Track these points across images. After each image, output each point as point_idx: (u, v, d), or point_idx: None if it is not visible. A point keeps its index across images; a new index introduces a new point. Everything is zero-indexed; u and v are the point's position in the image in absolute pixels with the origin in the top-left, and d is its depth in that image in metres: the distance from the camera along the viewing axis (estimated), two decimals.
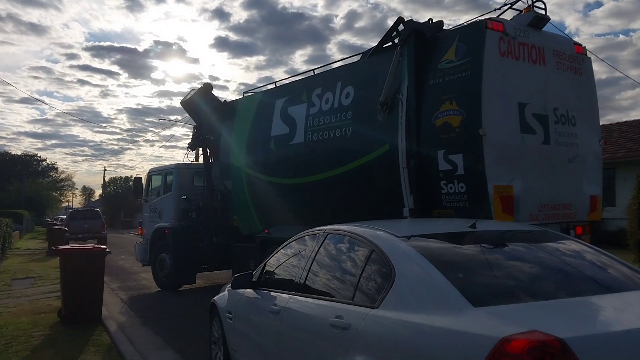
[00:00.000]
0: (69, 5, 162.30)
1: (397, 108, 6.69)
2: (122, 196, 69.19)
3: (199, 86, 11.64)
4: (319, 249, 3.96)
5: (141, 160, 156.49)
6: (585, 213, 6.87)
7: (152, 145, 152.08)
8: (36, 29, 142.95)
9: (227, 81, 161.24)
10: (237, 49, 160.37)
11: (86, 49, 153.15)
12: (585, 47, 7.15)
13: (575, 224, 6.75)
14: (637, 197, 11.55)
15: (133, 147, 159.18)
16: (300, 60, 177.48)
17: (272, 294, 4.36)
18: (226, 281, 13.20)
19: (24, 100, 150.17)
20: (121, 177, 78.65)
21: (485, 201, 5.87)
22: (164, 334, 7.63)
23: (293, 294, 3.95)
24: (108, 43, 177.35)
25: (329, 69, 8.69)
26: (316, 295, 3.70)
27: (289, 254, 4.55)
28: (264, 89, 10.24)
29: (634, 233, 11.45)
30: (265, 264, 4.83)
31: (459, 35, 6.34)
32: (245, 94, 10.64)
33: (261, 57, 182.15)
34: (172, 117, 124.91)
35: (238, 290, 4.98)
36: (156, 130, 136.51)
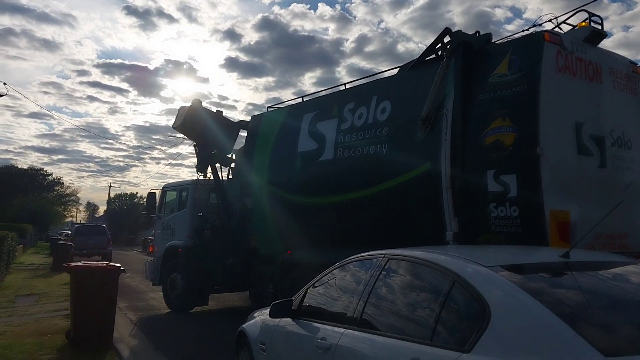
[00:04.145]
0: (83, 23, 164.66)
1: (441, 124, 6.23)
2: (127, 213, 68.80)
3: (186, 105, 11.08)
4: (378, 277, 3.44)
5: (146, 178, 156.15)
6: None
7: (157, 163, 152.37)
8: (49, 45, 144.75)
9: (236, 101, 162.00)
10: (246, 70, 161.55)
11: (97, 65, 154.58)
12: None
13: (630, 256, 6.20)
14: None
15: (139, 164, 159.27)
16: (309, 82, 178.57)
17: (317, 325, 3.84)
18: (240, 304, 12.77)
19: (33, 115, 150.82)
20: (126, 194, 78.32)
21: (540, 227, 5.37)
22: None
23: (347, 328, 3.43)
24: (119, 60, 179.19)
25: (362, 83, 8.25)
26: (378, 332, 3.17)
27: (337, 281, 4.03)
28: (288, 104, 9.82)
29: None
30: (307, 291, 4.30)
31: (512, 47, 5.91)
32: (269, 108, 10.21)
33: (270, 78, 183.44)
34: (180, 135, 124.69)
35: (273, 319, 4.46)
36: (162, 148, 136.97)
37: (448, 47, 6.40)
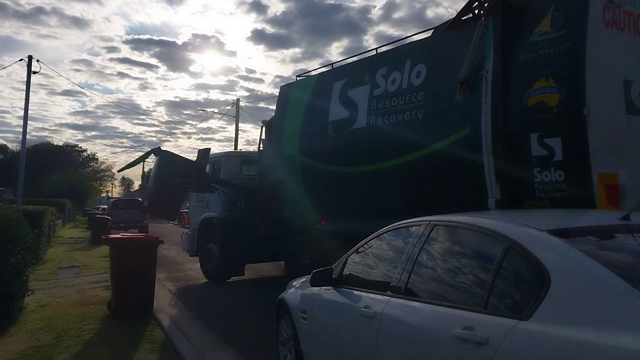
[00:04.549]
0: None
1: (480, 87, 6.00)
2: None
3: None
4: (423, 244, 3.34)
5: (178, 152, 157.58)
6: None
7: (189, 138, 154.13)
8: (79, 23, 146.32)
9: (264, 74, 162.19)
10: (273, 42, 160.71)
11: (126, 42, 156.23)
12: None
13: None
14: None
15: (171, 139, 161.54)
16: (336, 52, 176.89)
17: (360, 294, 3.78)
18: (275, 274, 12.87)
19: (66, 93, 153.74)
20: None
21: (588, 191, 5.15)
22: (219, 330, 7.17)
23: (392, 297, 3.36)
24: (147, 36, 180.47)
25: (395, 47, 8.00)
26: (425, 300, 3.09)
27: (379, 249, 3.95)
28: (318, 72, 9.62)
29: None
30: (347, 259, 4.24)
31: (554, 3, 5.59)
32: (298, 78, 10.05)
33: (297, 50, 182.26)
34: (209, 110, 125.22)
35: (313, 287, 4.42)
36: (193, 123, 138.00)
37: (486, 5, 6.11)
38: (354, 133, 7.84)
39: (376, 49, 8.19)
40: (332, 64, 9.13)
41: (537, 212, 4.77)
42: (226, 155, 12.58)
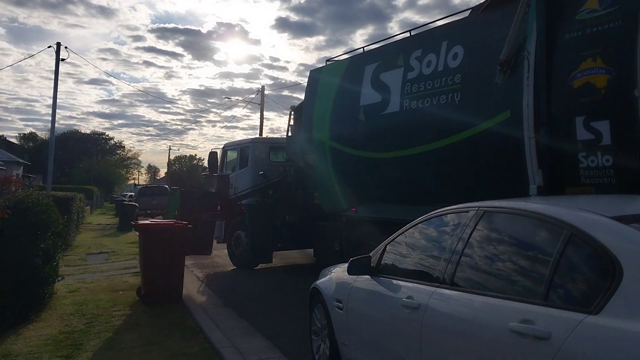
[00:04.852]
0: None
1: (522, 68, 5.71)
2: (186, 174, 70.58)
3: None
4: (472, 232, 3.14)
5: (203, 140, 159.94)
6: None
7: (213, 126, 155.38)
8: (105, 12, 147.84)
9: (287, 62, 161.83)
10: (297, 30, 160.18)
11: (151, 30, 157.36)
12: None
13: None
14: None
15: (196, 127, 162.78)
16: (360, 40, 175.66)
17: (401, 283, 3.61)
18: (303, 262, 12.77)
19: (93, 82, 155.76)
20: (185, 156, 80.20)
21: (638, 177, 4.87)
22: (249, 317, 7.09)
23: (438, 287, 3.18)
24: (172, 25, 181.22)
25: (430, 29, 7.73)
26: (476, 291, 2.90)
27: (421, 236, 3.77)
28: (348, 56, 9.39)
29: None
30: (386, 247, 4.06)
31: None
32: (328, 62, 9.83)
33: (321, 38, 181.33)
34: (234, 98, 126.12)
35: (349, 276, 4.26)
36: (218, 111, 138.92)
37: None
38: (387, 117, 7.63)
39: (410, 30, 7.93)
40: (363, 47, 8.89)
41: (591, 198, 4.51)
42: (254, 141, 12.48)
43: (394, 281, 3.71)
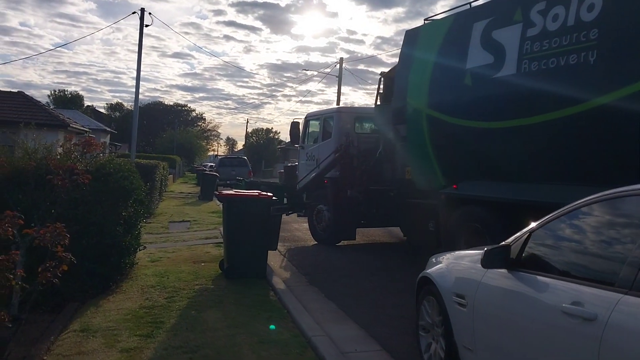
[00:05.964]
0: None
1: None
2: (264, 146, 71.34)
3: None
4: None
5: (279, 115, 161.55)
6: None
7: (289, 100, 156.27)
8: None
9: (364, 35, 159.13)
10: (375, 1, 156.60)
11: (232, 4, 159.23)
12: None
13: None
14: None
15: (272, 102, 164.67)
16: (441, 11, 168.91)
17: (558, 284, 2.78)
18: (388, 240, 11.99)
19: (176, 55, 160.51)
20: (262, 129, 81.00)
21: None
22: (338, 299, 6.49)
23: (627, 294, 2.33)
24: None
25: None
26: None
27: (585, 224, 2.89)
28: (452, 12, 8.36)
29: None
30: (530, 234, 3.21)
31: None
32: (426, 21, 8.85)
33: (400, 9, 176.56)
34: (310, 72, 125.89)
35: (477, 267, 3.46)
36: (293, 85, 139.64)
37: None
38: (500, 81, 6.61)
39: None
40: (469, 2, 7.83)
41: None
42: (339, 110, 11.73)
43: (547, 279, 2.88)
